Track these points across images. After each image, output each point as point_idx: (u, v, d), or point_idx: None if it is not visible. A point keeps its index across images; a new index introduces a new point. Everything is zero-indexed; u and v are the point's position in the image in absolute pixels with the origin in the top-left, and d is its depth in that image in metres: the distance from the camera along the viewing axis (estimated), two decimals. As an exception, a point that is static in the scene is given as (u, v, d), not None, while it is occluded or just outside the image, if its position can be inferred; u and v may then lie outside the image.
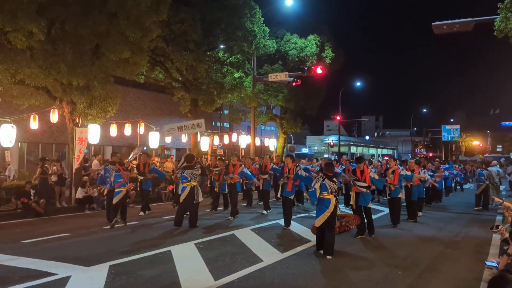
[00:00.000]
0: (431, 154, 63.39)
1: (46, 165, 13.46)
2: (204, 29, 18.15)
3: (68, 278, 6.16)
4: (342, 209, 12.74)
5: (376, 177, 9.86)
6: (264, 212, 12.88)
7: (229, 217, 11.80)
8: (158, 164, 16.95)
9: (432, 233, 10.38)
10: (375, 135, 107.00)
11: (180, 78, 19.67)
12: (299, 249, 8.25)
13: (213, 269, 6.70)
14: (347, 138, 72.93)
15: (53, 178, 13.55)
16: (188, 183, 10.50)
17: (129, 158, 13.52)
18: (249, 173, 12.85)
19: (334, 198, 7.79)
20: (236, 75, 21.67)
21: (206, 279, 6.24)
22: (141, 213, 12.52)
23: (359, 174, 9.54)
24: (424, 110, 74.91)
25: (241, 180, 12.88)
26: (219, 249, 8.17)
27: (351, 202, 9.78)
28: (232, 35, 19.45)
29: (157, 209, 13.81)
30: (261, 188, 13.94)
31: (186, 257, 7.51)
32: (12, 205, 12.79)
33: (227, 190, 12.75)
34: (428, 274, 6.73)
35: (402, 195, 11.48)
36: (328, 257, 7.53)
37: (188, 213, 10.75)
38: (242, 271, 6.63)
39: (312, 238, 9.28)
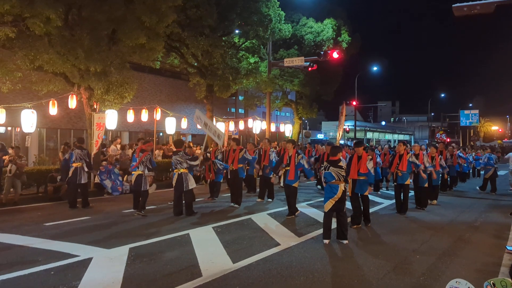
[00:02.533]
0: (448, 140, 62.52)
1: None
2: (219, 14, 18.05)
3: (90, 259, 6.30)
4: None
5: (371, 166, 8.92)
6: (257, 199, 12.57)
7: (234, 204, 11.52)
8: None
9: (450, 219, 10.30)
10: (392, 120, 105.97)
11: (195, 64, 19.66)
12: (316, 233, 8.27)
13: (231, 252, 6.77)
14: (363, 123, 72.41)
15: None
16: (176, 170, 10.09)
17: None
18: (250, 158, 12.38)
19: (343, 184, 7.63)
20: (252, 60, 21.56)
21: (224, 262, 6.31)
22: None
23: (355, 161, 8.96)
24: (442, 95, 73.87)
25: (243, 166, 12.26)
26: (236, 233, 8.24)
27: (349, 189, 9.07)
28: (247, 20, 19.32)
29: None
30: (260, 174, 13.44)
31: (204, 240, 7.59)
32: (33, 189, 13.09)
33: (229, 176, 12.03)
34: (447, 259, 6.70)
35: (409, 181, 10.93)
36: (345, 242, 7.53)
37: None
38: (259, 254, 6.68)
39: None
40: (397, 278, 5.73)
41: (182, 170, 9.98)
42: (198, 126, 21.55)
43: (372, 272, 5.94)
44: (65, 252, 6.69)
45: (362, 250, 7.18)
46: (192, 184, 10.10)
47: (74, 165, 11.01)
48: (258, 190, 13.35)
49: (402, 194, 10.77)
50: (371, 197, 12.70)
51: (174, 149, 10.72)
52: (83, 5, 12.46)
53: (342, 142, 41.17)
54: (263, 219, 9.67)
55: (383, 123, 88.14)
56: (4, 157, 12.03)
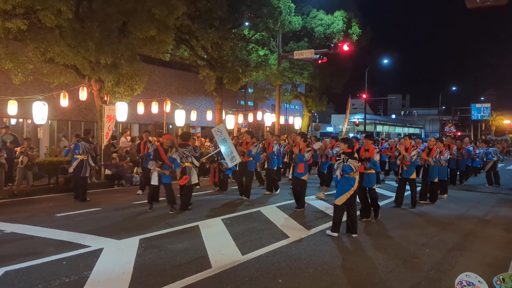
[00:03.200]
0: (459, 133, 61.95)
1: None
2: (229, 6, 17.99)
3: (100, 250, 6.37)
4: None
5: (378, 158, 8.99)
6: (266, 192, 12.52)
7: (243, 197, 11.50)
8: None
9: (460, 212, 10.24)
10: (402, 113, 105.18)
11: (205, 56, 19.65)
12: (325, 226, 8.27)
13: (240, 244, 6.81)
14: (373, 116, 72.01)
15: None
16: (181, 163, 9.84)
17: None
18: (254, 154, 11.90)
19: (357, 176, 7.68)
20: (261, 53, 21.48)
21: (233, 253, 6.35)
22: (139, 192, 12.23)
23: (362, 153, 8.79)
24: (454, 88, 73.04)
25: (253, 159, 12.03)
26: (245, 225, 8.28)
27: None
28: (257, 12, 19.23)
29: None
30: (265, 166, 13.29)
31: (214, 232, 7.64)
32: (44, 181, 13.24)
33: (237, 169, 11.95)
34: (457, 253, 6.67)
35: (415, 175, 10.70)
36: (354, 235, 7.52)
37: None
38: (269, 247, 6.71)
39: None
40: (407, 272, 5.72)
41: (187, 164, 9.85)
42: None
43: (381, 266, 5.94)
44: (76, 242, 6.78)
45: (371, 244, 7.18)
46: (194, 179, 9.98)
47: (79, 157, 10.81)
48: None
49: (409, 188, 10.69)
50: (380, 190, 12.72)
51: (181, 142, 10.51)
52: (94, -3, 12.53)
53: (351, 135, 41.06)
54: (272, 212, 9.70)
55: (393, 116, 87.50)
56: (16, 149, 12.18)
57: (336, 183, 7.74)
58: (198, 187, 12.96)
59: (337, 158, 7.81)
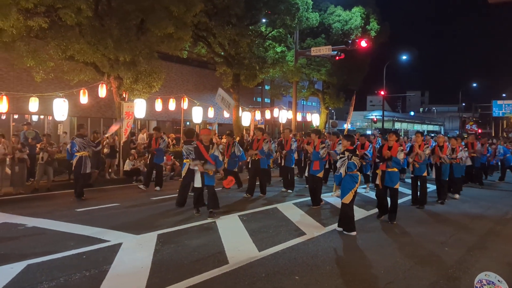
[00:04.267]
0: (480, 131, 60.89)
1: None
2: (246, 2, 17.99)
3: (119, 245, 6.47)
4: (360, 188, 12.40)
5: (401, 157, 8.63)
6: (282, 189, 12.41)
7: (247, 194, 11.34)
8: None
9: (480, 211, 10.09)
10: (421, 110, 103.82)
11: (222, 53, 19.71)
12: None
13: (257, 241, 6.83)
14: (391, 113, 71.35)
15: (105, 150, 14.12)
16: (186, 160, 9.69)
17: (107, 134, 13.17)
18: (266, 152, 11.86)
19: (359, 173, 7.68)
20: (278, 50, 21.45)
21: (250, 249, 6.38)
22: (157, 188, 12.22)
23: (385, 150, 8.65)
24: (474, 85, 71.69)
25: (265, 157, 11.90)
26: (262, 222, 8.30)
27: (377, 181, 8.88)
28: (274, 9, 19.20)
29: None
30: (282, 165, 12.92)
31: (231, 229, 7.69)
32: (65, 176, 13.48)
33: (250, 166, 11.78)
34: (477, 252, 6.58)
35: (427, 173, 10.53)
36: (353, 233, 7.44)
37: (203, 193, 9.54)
38: (285, 243, 6.72)
39: (356, 213, 9.27)
40: (425, 270, 5.67)
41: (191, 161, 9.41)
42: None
43: (399, 263, 5.90)
44: (96, 237, 6.90)
45: (389, 241, 7.13)
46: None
47: (78, 154, 10.59)
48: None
49: (419, 186, 10.40)
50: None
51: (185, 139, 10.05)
52: (113, -5, 12.70)
53: (369, 132, 40.72)
54: (288, 209, 9.70)
55: (412, 113, 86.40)
56: (36, 145, 12.42)
57: (339, 180, 7.63)
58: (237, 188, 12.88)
59: (341, 155, 7.71)
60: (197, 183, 8.71)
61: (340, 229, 7.61)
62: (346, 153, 7.56)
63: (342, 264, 5.83)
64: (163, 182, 12.82)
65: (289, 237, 7.14)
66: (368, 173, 12.77)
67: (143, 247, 6.42)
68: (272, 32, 21.24)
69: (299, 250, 6.42)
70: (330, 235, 7.40)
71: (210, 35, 18.69)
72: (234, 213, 9.02)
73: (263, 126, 25.16)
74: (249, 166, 11.89)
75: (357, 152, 7.78)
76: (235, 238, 6.99)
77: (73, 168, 10.85)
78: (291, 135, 13.52)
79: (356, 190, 7.57)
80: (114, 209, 9.49)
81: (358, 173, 7.59)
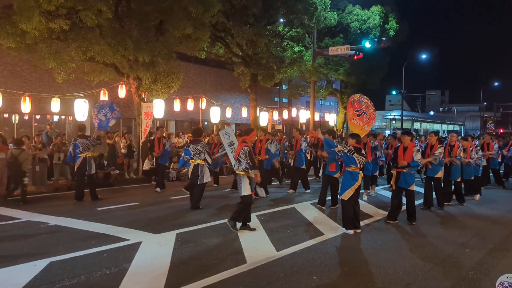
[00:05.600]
0: (501, 131, 59.70)
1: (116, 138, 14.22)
2: (264, 2, 18.01)
3: (139, 243, 6.55)
4: (378, 190, 12.12)
5: (418, 157, 8.35)
6: (289, 190, 12.15)
7: (259, 195, 11.08)
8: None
9: (501, 213, 9.88)
10: (441, 110, 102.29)
11: (240, 53, 19.77)
12: (361, 223, 8.18)
13: (275, 240, 6.84)
14: (410, 113, 70.39)
15: (123, 150, 14.30)
16: (192, 160, 9.44)
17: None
18: (273, 150, 11.86)
19: (361, 172, 7.66)
20: (296, 49, 21.42)
21: (268, 249, 6.38)
22: (157, 189, 11.91)
23: (401, 152, 8.40)
24: (496, 84, 70.29)
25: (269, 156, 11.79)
26: (280, 222, 8.30)
27: (391, 182, 8.72)
28: (292, 8, 19.17)
29: (222, 180, 13.94)
30: (292, 165, 12.58)
31: (249, 228, 7.70)
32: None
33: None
34: (499, 253, 6.46)
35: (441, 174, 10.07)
36: (357, 230, 7.50)
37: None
38: (303, 243, 6.71)
39: (374, 213, 9.22)
40: (445, 271, 5.60)
41: (199, 161, 9.38)
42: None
43: (418, 265, 5.83)
44: (116, 236, 7.00)
45: (408, 242, 7.05)
46: (207, 177, 9.51)
47: (82, 155, 10.28)
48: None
49: (433, 188, 10.06)
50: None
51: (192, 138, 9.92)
52: (132, -3, 12.87)
53: (388, 132, 40.27)
54: (306, 209, 9.68)
55: (432, 113, 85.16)
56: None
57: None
58: (215, 185, 12.96)
59: (346, 145, 7.74)
60: (246, 190, 7.52)
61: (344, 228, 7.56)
62: (350, 147, 7.56)
63: (360, 264, 5.80)
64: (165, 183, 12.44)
65: (307, 237, 7.12)
66: (376, 174, 12.09)
67: (162, 246, 6.49)
68: (290, 32, 21.21)
69: (317, 250, 6.40)
70: (349, 235, 7.35)
71: (228, 35, 18.77)
72: (252, 213, 8.97)
73: (280, 126, 25.15)
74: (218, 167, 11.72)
75: (362, 152, 7.72)
76: (253, 238, 7.01)
77: (75, 169, 10.54)
78: (300, 136, 13.06)
79: (357, 188, 7.53)
80: (133, 208, 9.61)
81: (360, 171, 7.54)
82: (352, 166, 7.50)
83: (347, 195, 7.49)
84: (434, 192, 10.16)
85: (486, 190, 13.03)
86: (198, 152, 9.39)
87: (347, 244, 6.82)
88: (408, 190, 8.37)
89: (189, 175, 9.62)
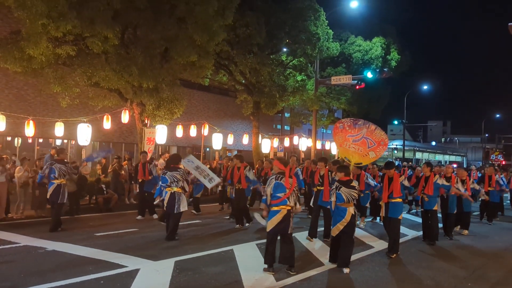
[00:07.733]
0: (504, 162, 59.54)
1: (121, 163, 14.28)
2: (268, 32, 18.31)
3: (137, 270, 6.48)
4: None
5: (406, 183, 8.50)
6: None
7: (236, 225, 10.79)
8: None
9: (504, 246, 9.77)
10: (442, 140, 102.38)
11: (243, 81, 19.97)
12: (362, 254, 8.11)
13: (275, 270, 6.74)
14: (412, 143, 70.28)
15: (123, 174, 14.31)
16: (169, 188, 8.99)
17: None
18: (251, 177, 11.17)
19: (352, 207, 7.07)
20: (299, 78, 21.64)
21: (267, 279, 6.31)
22: (154, 216, 11.73)
23: (386, 183, 8.33)
24: (497, 116, 70.54)
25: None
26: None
27: (381, 214, 8.60)
28: (295, 38, 19.46)
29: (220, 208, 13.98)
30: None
31: (248, 257, 7.63)
32: (85, 200, 13.65)
33: (233, 196, 11.17)
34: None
35: (437, 207, 9.84)
36: (345, 270, 6.81)
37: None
38: (303, 274, 6.63)
39: (376, 244, 9.11)
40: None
41: (176, 189, 8.98)
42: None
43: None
44: (114, 262, 6.93)
45: (409, 275, 6.96)
46: (184, 206, 9.10)
47: (56, 181, 9.60)
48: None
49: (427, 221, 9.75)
50: (412, 217, 12.28)
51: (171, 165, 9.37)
52: (139, 25, 13.15)
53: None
54: (306, 239, 9.57)
55: (433, 143, 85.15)
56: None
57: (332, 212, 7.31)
58: (199, 212, 12.72)
59: (332, 185, 7.33)
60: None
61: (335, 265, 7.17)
62: (336, 183, 7.21)
63: (361, 297, 5.71)
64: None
65: (308, 267, 7.04)
66: (367, 205, 11.90)
67: (160, 273, 6.41)
68: (293, 61, 21.48)
69: (317, 281, 6.32)
70: (350, 266, 7.24)
71: (231, 64, 19.01)
72: (252, 242, 8.96)
73: (282, 154, 25.16)
74: (233, 195, 11.25)
75: (353, 184, 7.20)
76: (252, 267, 6.92)
77: (48, 195, 9.91)
78: (295, 165, 12.71)
79: (349, 225, 7.04)
80: (132, 234, 9.54)
81: (348, 206, 7.04)
82: (341, 202, 7.07)
83: (334, 231, 7.17)
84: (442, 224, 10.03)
85: (482, 225, 12.78)
86: (176, 180, 9.00)
87: (347, 275, 6.71)
88: (396, 219, 8.17)
89: (165, 204, 9.08)
